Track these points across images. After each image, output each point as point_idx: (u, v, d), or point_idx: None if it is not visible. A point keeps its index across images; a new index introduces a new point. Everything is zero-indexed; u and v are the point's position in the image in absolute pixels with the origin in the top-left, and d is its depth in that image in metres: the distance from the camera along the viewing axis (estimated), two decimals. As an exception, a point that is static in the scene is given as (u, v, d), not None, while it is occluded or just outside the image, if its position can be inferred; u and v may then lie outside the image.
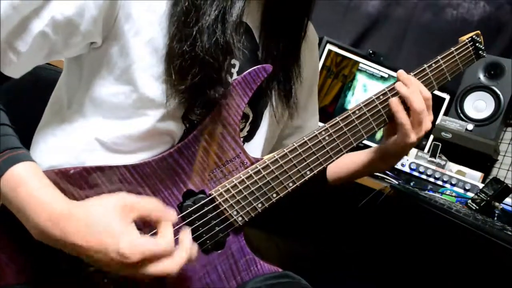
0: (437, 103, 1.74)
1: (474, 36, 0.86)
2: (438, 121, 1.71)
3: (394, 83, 0.79)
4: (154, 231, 0.60)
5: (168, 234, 0.57)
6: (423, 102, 0.76)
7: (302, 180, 0.73)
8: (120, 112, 0.65)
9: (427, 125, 0.77)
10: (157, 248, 0.54)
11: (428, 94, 0.77)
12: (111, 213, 0.54)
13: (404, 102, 0.77)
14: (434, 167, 1.48)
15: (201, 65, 0.62)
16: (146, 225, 0.60)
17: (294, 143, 0.72)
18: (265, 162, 0.71)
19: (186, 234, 0.60)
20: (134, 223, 0.55)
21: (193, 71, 0.62)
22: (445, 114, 1.78)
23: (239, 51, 0.67)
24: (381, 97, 0.78)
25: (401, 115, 0.76)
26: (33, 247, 0.54)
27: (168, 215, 0.59)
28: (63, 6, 0.57)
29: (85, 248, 0.52)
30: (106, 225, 0.53)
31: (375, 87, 1.75)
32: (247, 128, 0.77)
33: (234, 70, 0.72)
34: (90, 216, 0.53)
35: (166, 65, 0.63)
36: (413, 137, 0.76)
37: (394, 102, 0.76)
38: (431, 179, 1.47)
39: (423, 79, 0.80)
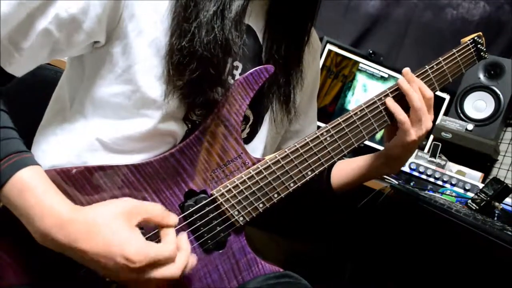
0: (437, 103, 1.72)
1: (475, 38, 0.86)
2: (438, 121, 1.71)
3: (396, 83, 0.79)
4: (154, 231, 0.61)
5: (171, 240, 0.58)
6: (421, 99, 0.76)
7: (304, 180, 0.73)
8: (121, 113, 0.65)
9: (427, 123, 0.77)
10: (161, 253, 0.55)
11: (430, 93, 0.78)
12: (116, 218, 0.54)
13: (402, 101, 0.78)
14: (434, 167, 1.48)
15: (199, 61, 0.62)
16: (148, 228, 0.60)
17: (296, 144, 0.72)
18: (267, 162, 0.71)
19: (184, 239, 0.61)
20: (138, 227, 0.56)
21: (191, 67, 0.62)
22: (445, 114, 1.78)
23: (239, 49, 0.67)
24: (382, 98, 0.78)
25: (400, 113, 0.77)
26: (36, 248, 0.54)
27: (170, 219, 0.60)
28: (67, 3, 0.57)
29: (90, 253, 0.52)
30: (111, 230, 0.53)
31: (375, 87, 1.75)
32: (247, 130, 0.77)
33: (237, 72, 0.72)
34: (95, 221, 0.53)
35: (165, 62, 0.63)
36: (413, 135, 0.77)
37: (391, 102, 0.78)
38: (431, 179, 1.47)
39: (425, 80, 0.80)
